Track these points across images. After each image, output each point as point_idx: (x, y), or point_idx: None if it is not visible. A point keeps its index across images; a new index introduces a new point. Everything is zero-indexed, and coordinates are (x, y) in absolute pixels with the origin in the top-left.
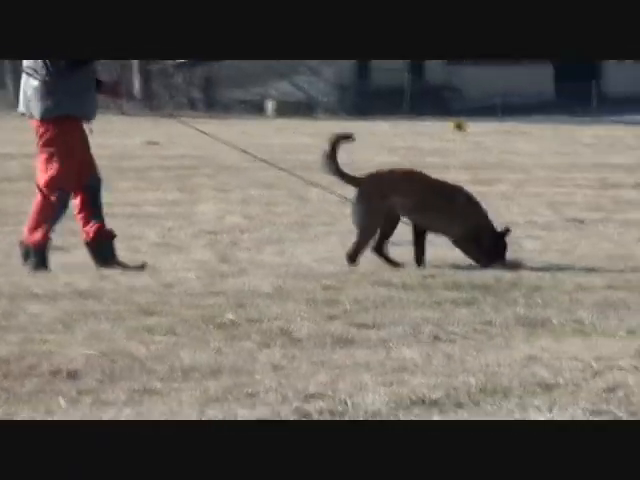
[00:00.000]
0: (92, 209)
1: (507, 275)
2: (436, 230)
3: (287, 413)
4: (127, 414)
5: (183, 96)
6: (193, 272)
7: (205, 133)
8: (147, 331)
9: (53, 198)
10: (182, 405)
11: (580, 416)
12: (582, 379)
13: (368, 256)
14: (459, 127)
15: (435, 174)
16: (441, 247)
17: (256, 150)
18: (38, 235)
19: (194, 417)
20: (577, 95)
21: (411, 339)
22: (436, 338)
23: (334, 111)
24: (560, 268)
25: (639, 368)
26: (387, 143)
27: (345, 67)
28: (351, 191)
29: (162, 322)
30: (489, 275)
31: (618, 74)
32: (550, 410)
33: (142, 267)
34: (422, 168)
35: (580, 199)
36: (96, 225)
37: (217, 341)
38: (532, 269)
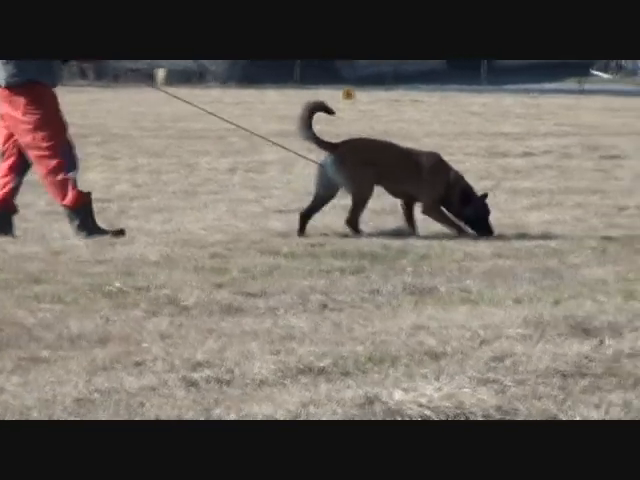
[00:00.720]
0: (17, 178)
1: (395, 243)
2: (410, 197)
3: (174, 381)
4: (14, 382)
5: (73, 64)
6: (81, 240)
7: (188, 102)
8: (35, 299)
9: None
10: (69, 373)
11: (467, 384)
12: (470, 348)
13: (255, 224)
14: (348, 95)
15: None
16: (329, 214)
17: (145, 118)
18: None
19: (81, 385)
20: (467, 64)
21: (299, 308)
22: (324, 307)
23: (224, 80)
24: (449, 237)
25: (526, 336)
26: (276, 111)
27: None
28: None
29: (50, 290)
30: (377, 243)
31: None
32: (437, 379)
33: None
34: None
35: (469, 167)
36: (9, 193)
37: (105, 309)
38: (420, 238)
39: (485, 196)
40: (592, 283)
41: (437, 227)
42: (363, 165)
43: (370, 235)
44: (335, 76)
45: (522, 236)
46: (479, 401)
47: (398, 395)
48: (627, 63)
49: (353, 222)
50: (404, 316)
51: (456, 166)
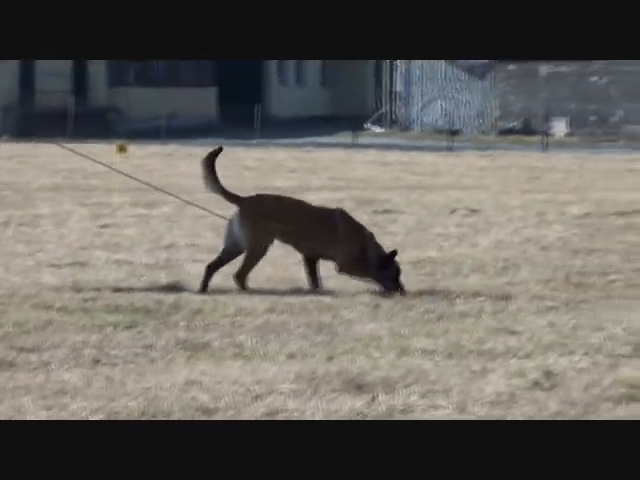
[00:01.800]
0: None
1: (169, 298)
2: (321, 255)
3: None
4: None
5: None
6: None
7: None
8: None
9: None
10: None
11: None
12: (242, 403)
13: (29, 278)
14: (121, 149)
15: (98, 196)
16: (94, 268)
17: None
18: None
19: None
20: (241, 118)
21: (72, 362)
22: (97, 361)
23: None
24: (222, 292)
25: (299, 392)
26: (51, 165)
27: (7, 88)
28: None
29: None
30: (150, 298)
31: (281, 97)
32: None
33: None
34: (85, 191)
35: None
36: None
37: None
38: (194, 292)
39: (394, 254)
40: (366, 339)
41: (212, 282)
42: (266, 221)
43: (145, 289)
44: (107, 130)
45: (296, 291)
46: None
47: None
48: (402, 117)
49: (241, 278)
50: (177, 371)
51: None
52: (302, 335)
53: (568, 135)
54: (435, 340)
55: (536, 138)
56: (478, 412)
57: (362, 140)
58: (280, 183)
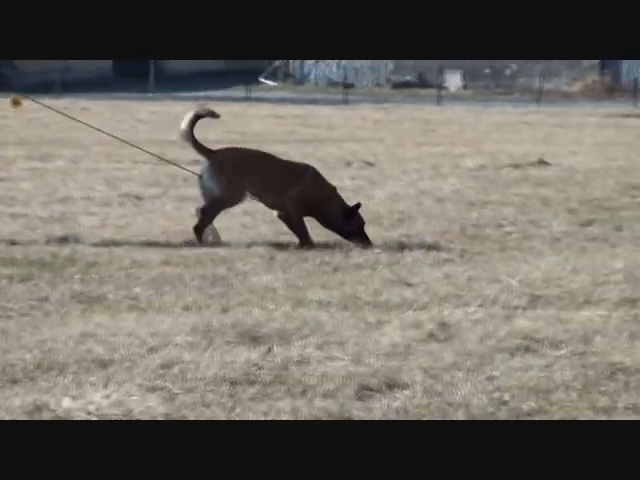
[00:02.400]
0: None
1: (64, 251)
2: (282, 208)
3: None
4: None
5: None
6: None
7: (66, 115)
8: None
9: None
10: None
11: (135, 392)
12: (138, 355)
13: None
14: (15, 103)
15: None
16: None
17: None
18: None
19: None
20: (136, 72)
21: None
22: None
23: None
24: (117, 244)
25: (194, 344)
26: None
27: None
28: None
29: None
30: (45, 251)
31: None
32: (106, 386)
33: None
34: None
35: (137, 175)
36: None
37: None
38: (89, 245)
39: (358, 206)
40: (261, 291)
41: (105, 234)
42: (234, 173)
43: (39, 242)
44: (3, 83)
45: (190, 244)
46: (147, 408)
47: (66, 403)
48: (295, 71)
49: (199, 227)
50: (72, 324)
51: (124, 174)
52: (197, 287)
53: (462, 88)
54: (331, 292)
55: (430, 91)
56: (374, 363)
57: (256, 94)
58: (175, 136)
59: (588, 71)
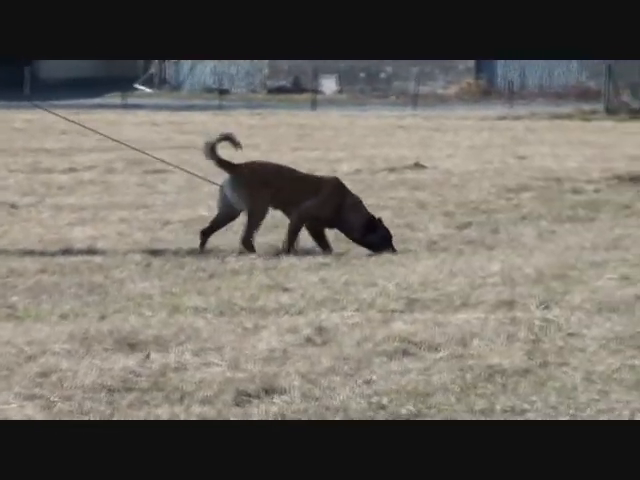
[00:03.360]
0: None
1: None
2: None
3: None
4: None
5: None
6: None
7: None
8: None
9: None
10: None
11: (13, 400)
12: (15, 364)
13: None
14: None
15: None
16: None
17: None
18: None
19: None
20: (11, 80)
21: None
22: None
23: None
24: None
25: (72, 352)
26: None
27: None
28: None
29: None
30: None
31: (51, 60)
32: None
33: None
34: None
35: (12, 183)
36: None
37: None
38: None
39: (379, 220)
40: (137, 298)
41: None
42: (260, 186)
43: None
44: None
45: (67, 252)
46: (26, 417)
47: None
48: (171, 77)
49: (246, 241)
50: None
51: (0, 182)
52: (74, 295)
53: (338, 92)
54: (207, 298)
55: (305, 96)
56: (251, 369)
57: (132, 101)
58: (50, 145)
59: (463, 74)
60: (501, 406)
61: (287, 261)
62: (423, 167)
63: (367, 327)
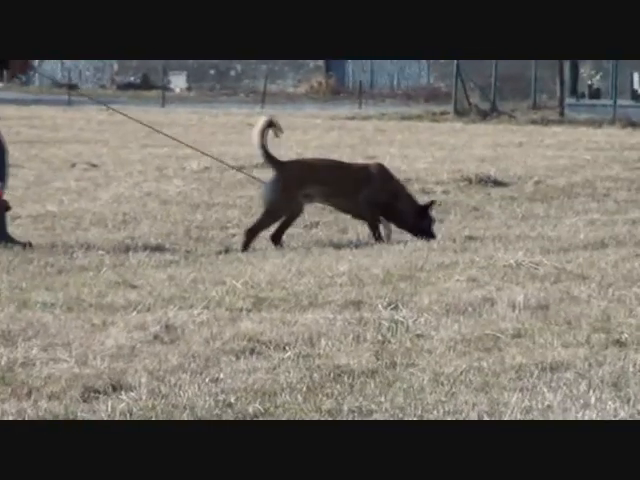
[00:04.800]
0: None
1: None
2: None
3: None
4: None
5: None
6: None
7: (141, 123)
8: None
9: None
10: None
11: None
12: None
13: None
14: None
15: None
16: None
17: None
18: None
19: None
20: None
21: None
22: None
23: None
24: None
25: None
26: None
27: None
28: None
29: None
30: None
31: None
32: None
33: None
34: None
35: None
36: None
37: None
38: None
39: (430, 205)
40: None
41: None
42: (297, 188)
43: None
44: None
45: None
46: None
47: None
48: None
49: (251, 233)
50: None
51: None
52: None
53: (187, 90)
54: (55, 293)
55: (155, 93)
56: (99, 365)
57: None
58: None
59: (313, 73)
60: (348, 406)
61: (135, 258)
62: None
63: (215, 325)
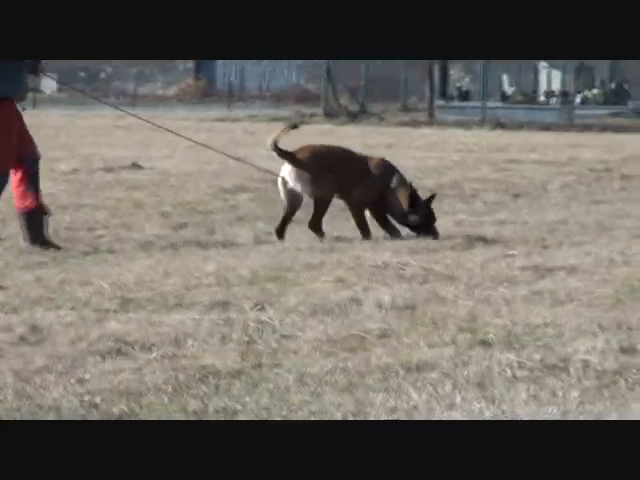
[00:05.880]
0: (30, 184)
1: None
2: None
3: None
4: None
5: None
6: None
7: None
8: None
9: None
10: None
11: None
12: None
13: None
14: None
15: None
16: None
17: None
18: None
19: None
20: None
21: None
22: None
23: None
24: None
25: None
26: None
27: None
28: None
29: None
30: None
31: None
32: None
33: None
34: None
35: None
36: (33, 200)
37: None
38: None
39: (432, 198)
40: None
41: None
42: (321, 170)
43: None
44: None
45: None
46: None
47: None
48: None
49: (316, 225)
50: None
51: None
52: None
53: (57, 91)
54: None
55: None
56: None
57: None
58: None
59: (183, 75)
60: (214, 407)
61: (3, 259)
62: (141, 167)
63: (82, 326)
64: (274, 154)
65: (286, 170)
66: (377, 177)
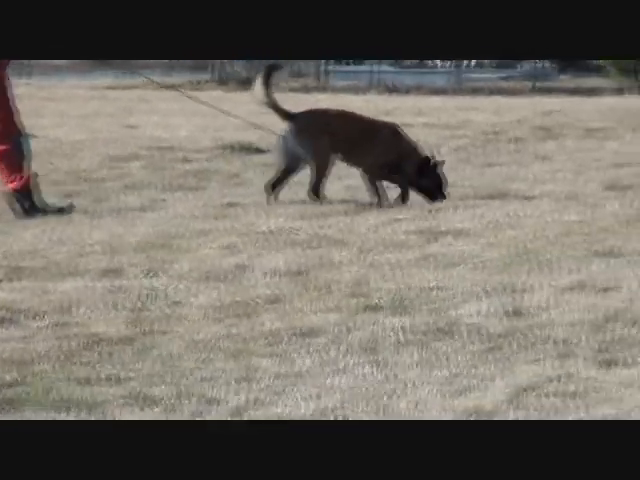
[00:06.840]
0: (16, 159)
1: None
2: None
3: None
4: None
5: None
6: None
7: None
8: None
9: None
10: None
11: None
12: None
13: None
14: None
15: None
16: None
17: None
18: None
19: None
20: None
21: None
22: None
23: None
24: None
25: None
26: None
27: None
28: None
29: None
30: None
31: None
32: None
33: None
34: None
35: None
36: (19, 175)
37: None
38: None
39: (430, 161)
40: None
41: None
42: (322, 134)
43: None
44: None
45: None
46: None
47: None
48: None
49: (315, 190)
50: None
51: None
52: None
53: None
54: None
55: None
56: None
57: None
58: None
59: None
60: (105, 374)
61: None
62: (34, 136)
63: None
64: (266, 106)
65: (287, 130)
66: (386, 142)
